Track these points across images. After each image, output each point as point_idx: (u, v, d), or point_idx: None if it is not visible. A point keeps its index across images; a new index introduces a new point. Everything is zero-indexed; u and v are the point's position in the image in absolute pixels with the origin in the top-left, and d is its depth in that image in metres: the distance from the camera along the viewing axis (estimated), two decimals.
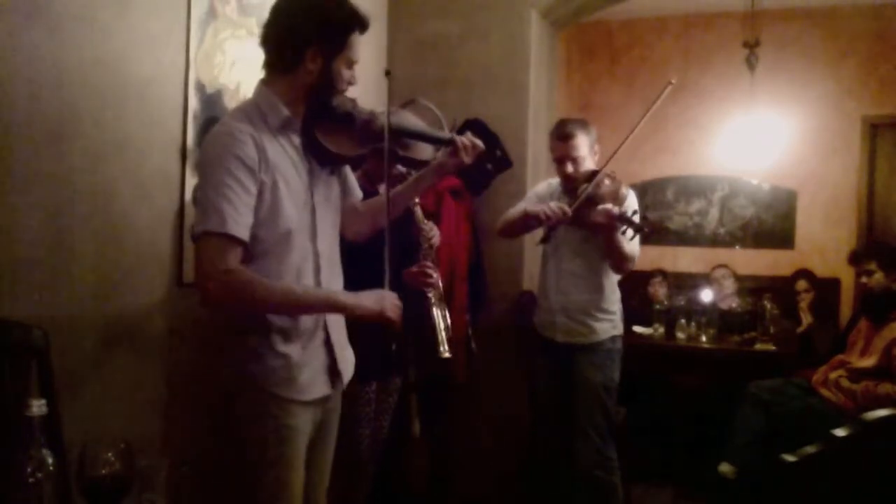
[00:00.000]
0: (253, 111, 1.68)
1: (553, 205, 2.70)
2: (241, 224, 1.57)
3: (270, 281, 1.62)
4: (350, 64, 1.71)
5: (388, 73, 1.91)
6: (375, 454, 2.65)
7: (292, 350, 1.70)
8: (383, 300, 1.71)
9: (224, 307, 1.66)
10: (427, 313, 2.42)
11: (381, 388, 2.57)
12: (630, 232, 2.60)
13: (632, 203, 2.75)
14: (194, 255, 1.61)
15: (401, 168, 2.15)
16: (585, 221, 2.71)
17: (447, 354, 2.39)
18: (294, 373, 1.70)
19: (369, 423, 2.53)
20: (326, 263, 1.78)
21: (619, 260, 2.73)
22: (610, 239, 2.66)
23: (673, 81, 2.72)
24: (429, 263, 2.43)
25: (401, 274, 2.38)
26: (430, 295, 2.43)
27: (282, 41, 1.67)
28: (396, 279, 2.24)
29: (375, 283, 1.73)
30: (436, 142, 1.90)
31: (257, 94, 1.72)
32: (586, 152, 2.81)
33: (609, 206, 2.63)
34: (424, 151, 1.90)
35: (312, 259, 1.74)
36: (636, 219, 2.60)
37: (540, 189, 3.08)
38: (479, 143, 1.90)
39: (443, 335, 2.41)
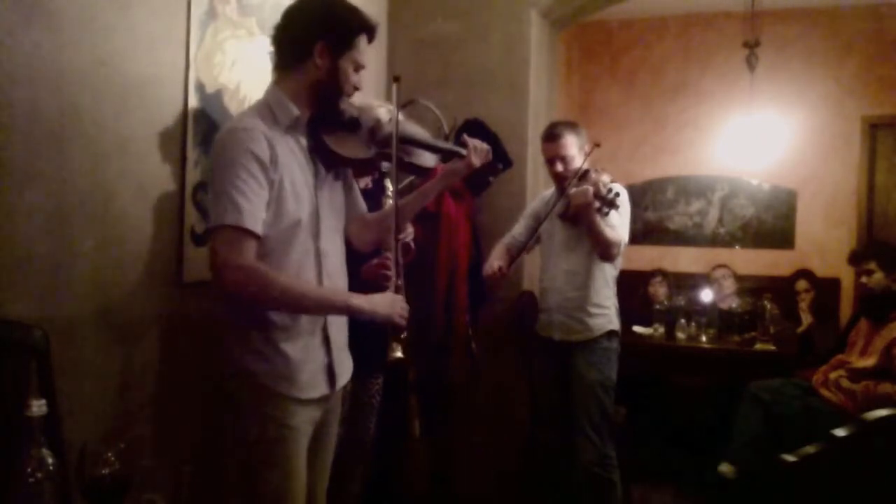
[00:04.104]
0: (264, 110, 1.72)
1: (495, 263, 2.87)
2: (257, 218, 1.60)
3: (289, 277, 1.65)
4: (357, 67, 1.76)
5: (397, 80, 1.89)
6: (361, 455, 2.62)
7: (293, 348, 1.71)
8: (394, 304, 1.75)
9: (239, 299, 1.65)
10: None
11: (357, 387, 2.52)
12: (605, 209, 2.68)
13: (615, 188, 2.79)
14: (210, 248, 1.62)
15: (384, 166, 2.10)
16: (574, 214, 2.78)
17: (398, 354, 2.34)
18: (294, 371, 1.71)
19: (342, 423, 2.42)
20: (330, 263, 1.80)
21: (602, 245, 2.76)
22: (590, 220, 2.70)
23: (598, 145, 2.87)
24: (390, 256, 2.28)
25: (359, 268, 2.29)
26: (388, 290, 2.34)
27: (292, 37, 1.73)
28: (356, 273, 2.19)
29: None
30: (439, 151, 1.93)
31: (267, 94, 1.77)
32: (575, 152, 2.89)
33: (587, 187, 2.69)
34: (428, 159, 1.92)
35: (314, 256, 1.76)
36: (610, 196, 2.67)
37: (535, 203, 3.18)
38: (487, 146, 1.93)
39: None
